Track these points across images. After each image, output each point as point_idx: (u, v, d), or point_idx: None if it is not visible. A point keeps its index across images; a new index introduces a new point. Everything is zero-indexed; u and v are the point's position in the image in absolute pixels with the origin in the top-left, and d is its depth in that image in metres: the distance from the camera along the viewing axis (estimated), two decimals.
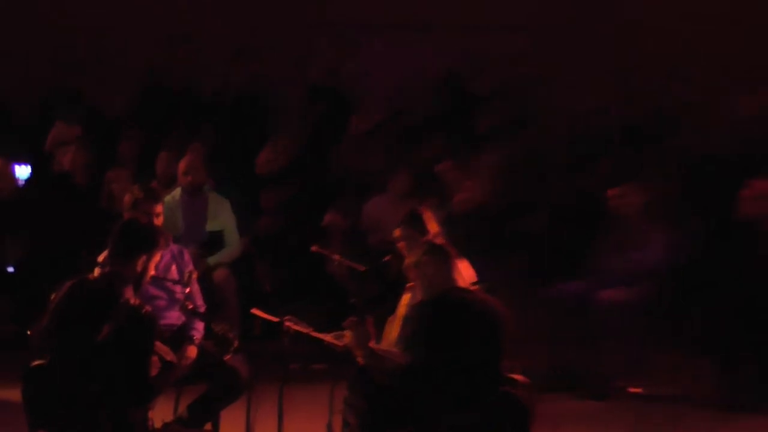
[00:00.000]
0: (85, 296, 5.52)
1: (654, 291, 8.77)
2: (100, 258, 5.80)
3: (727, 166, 9.87)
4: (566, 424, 7.42)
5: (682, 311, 8.93)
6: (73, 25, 11.82)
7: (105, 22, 11.72)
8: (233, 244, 8.93)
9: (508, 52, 11.55)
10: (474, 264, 6.16)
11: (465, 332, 5.60)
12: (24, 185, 9.51)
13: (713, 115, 10.55)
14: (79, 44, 11.64)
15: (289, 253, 9.21)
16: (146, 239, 5.75)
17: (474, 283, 6.02)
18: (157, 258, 5.88)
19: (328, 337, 6.28)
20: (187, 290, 6.79)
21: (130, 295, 5.47)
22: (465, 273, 5.93)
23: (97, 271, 5.77)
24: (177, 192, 8.82)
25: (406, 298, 6.35)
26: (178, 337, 6.62)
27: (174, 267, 6.96)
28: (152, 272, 5.86)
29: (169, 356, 6.05)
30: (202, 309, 6.87)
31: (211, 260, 8.68)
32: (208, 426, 6.49)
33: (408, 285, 6.25)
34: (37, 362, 5.47)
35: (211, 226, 8.84)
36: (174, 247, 7.11)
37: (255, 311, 6.68)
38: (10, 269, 8.92)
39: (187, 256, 7.18)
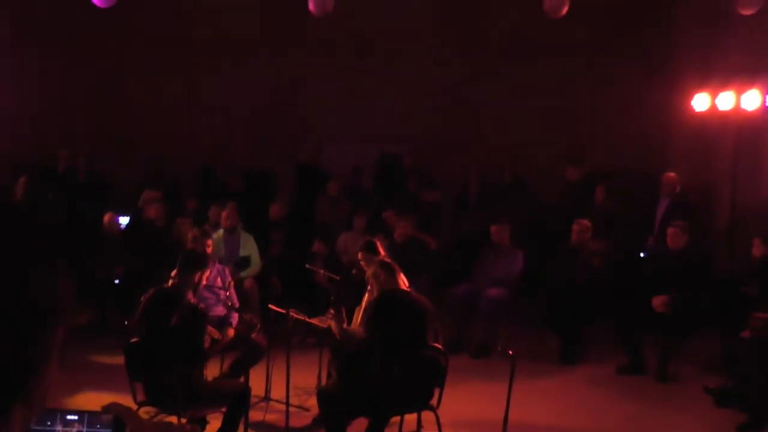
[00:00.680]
0: (162, 298, 5.49)
1: (517, 289, 8.71)
2: (172, 273, 5.62)
3: (560, 211, 9.86)
4: (465, 374, 7.29)
5: (534, 301, 8.88)
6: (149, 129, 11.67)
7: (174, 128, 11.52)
8: (256, 264, 8.79)
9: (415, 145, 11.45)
10: (407, 275, 6.01)
11: (402, 315, 5.51)
12: (125, 229, 9.33)
13: (552, 179, 10.52)
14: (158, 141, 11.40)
15: (291, 269, 9.06)
16: (200, 261, 5.79)
17: (409, 286, 5.89)
18: (207, 273, 5.86)
19: (317, 321, 6.19)
20: (227, 293, 6.73)
21: (190, 297, 5.42)
22: (403, 280, 5.82)
23: (170, 282, 5.61)
24: (220, 231, 8.66)
25: (367, 296, 6.21)
26: (222, 323, 6.50)
27: (219, 278, 6.89)
28: (204, 282, 5.82)
29: (216, 335, 6.00)
30: (237, 305, 6.78)
31: (243, 274, 8.54)
32: (242, 378, 6.30)
33: (368, 288, 6.11)
34: (133, 340, 5.33)
35: (242, 252, 8.70)
36: (219, 266, 7.05)
37: (271, 306, 6.60)
38: (117, 281, 8.70)
39: (227, 272, 7.13)
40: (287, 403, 5.77)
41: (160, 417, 5.56)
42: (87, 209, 9.65)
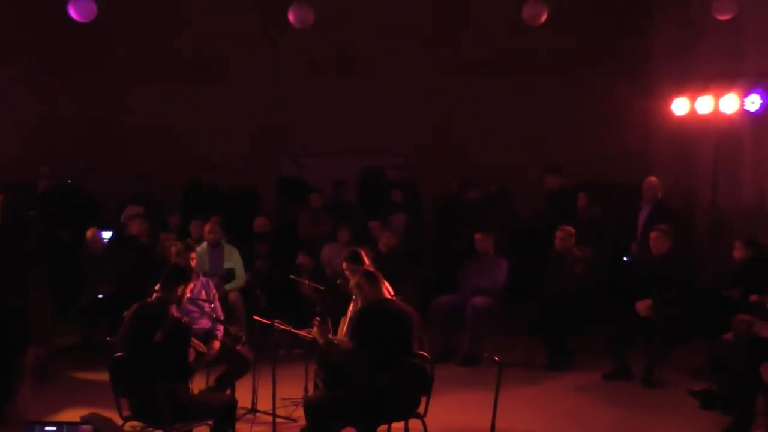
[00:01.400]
0: (146, 313, 5.44)
1: (502, 298, 8.71)
2: (156, 287, 5.59)
3: (542, 220, 9.89)
4: (452, 383, 7.29)
5: (519, 309, 8.89)
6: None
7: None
8: (241, 276, 8.77)
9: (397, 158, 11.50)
10: (392, 284, 5.99)
11: (388, 325, 5.48)
12: (108, 243, 9.28)
13: (533, 188, 10.54)
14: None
15: (276, 281, 9.04)
16: (184, 275, 5.71)
17: (393, 296, 5.87)
18: (191, 286, 5.82)
19: (302, 332, 6.17)
20: (212, 306, 6.69)
21: (174, 311, 5.39)
22: (387, 289, 5.80)
23: (153, 296, 5.57)
24: (204, 245, 8.63)
25: (351, 306, 6.19)
26: (207, 335, 6.46)
27: (203, 291, 6.86)
28: (188, 295, 5.80)
29: (201, 348, 5.96)
30: (222, 317, 6.75)
31: (227, 287, 8.53)
32: (227, 391, 6.28)
33: (353, 298, 6.09)
34: (118, 354, 5.29)
35: (226, 265, 8.69)
36: (203, 279, 7.02)
37: (256, 317, 6.58)
38: (100, 296, 8.63)
39: (211, 285, 7.12)
40: (274, 415, 5.75)
41: (146, 431, 5.53)
42: (70, 226, 9.58)
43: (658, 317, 7.61)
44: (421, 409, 5.45)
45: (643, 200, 9.29)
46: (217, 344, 6.39)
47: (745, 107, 8.81)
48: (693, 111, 9.47)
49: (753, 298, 7.12)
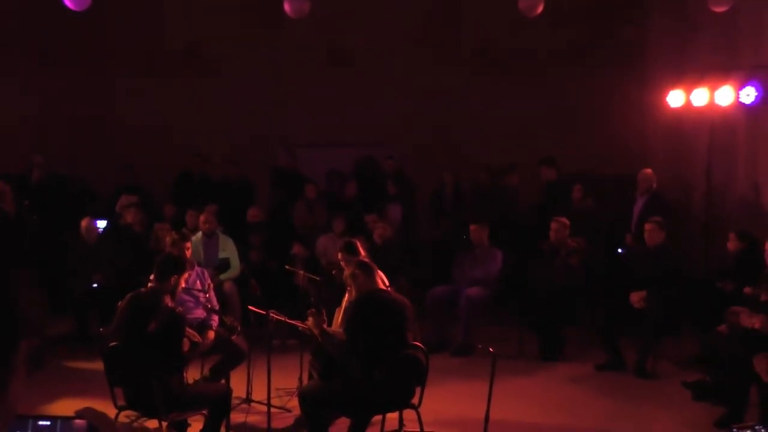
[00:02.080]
0: (139, 303, 5.42)
1: (496, 288, 8.73)
2: (151, 277, 5.58)
3: (538, 211, 9.91)
4: (446, 373, 7.30)
5: (513, 301, 8.91)
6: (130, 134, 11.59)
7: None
8: (236, 266, 8.78)
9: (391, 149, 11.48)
10: (386, 275, 6.00)
11: (383, 316, 5.48)
12: (102, 232, 9.27)
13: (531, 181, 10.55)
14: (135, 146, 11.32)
15: (270, 272, 9.03)
16: (177, 265, 5.66)
17: (388, 286, 5.88)
18: (186, 276, 5.80)
19: (297, 323, 6.15)
20: (207, 296, 6.69)
21: (168, 301, 5.37)
22: (382, 280, 5.80)
23: (148, 286, 5.56)
24: (199, 235, 8.63)
25: (346, 297, 6.20)
26: (202, 325, 6.45)
27: (198, 281, 6.84)
28: (183, 285, 5.80)
29: (196, 338, 5.93)
30: (217, 307, 6.73)
31: (222, 277, 8.52)
32: (222, 381, 6.28)
33: (347, 288, 6.09)
34: (112, 344, 5.28)
35: (221, 255, 8.69)
36: (198, 269, 6.99)
37: (250, 308, 6.57)
38: (94, 285, 8.61)
39: (206, 274, 7.08)
40: (269, 405, 5.76)
41: (140, 421, 5.53)
42: (64, 215, 9.55)
43: (652, 308, 7.64)
44: (415, 400, 5.47)
45: (638, 192, 9.30)
46: (212, 334, 6.39)
47: (740, 100, 8.81)
48: (688, 103, 9.47)
49: (747, 290, 7.14)
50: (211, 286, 6.95)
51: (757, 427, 2.62)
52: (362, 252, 6.62)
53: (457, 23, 11.78)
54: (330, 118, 11.69)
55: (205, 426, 5.49)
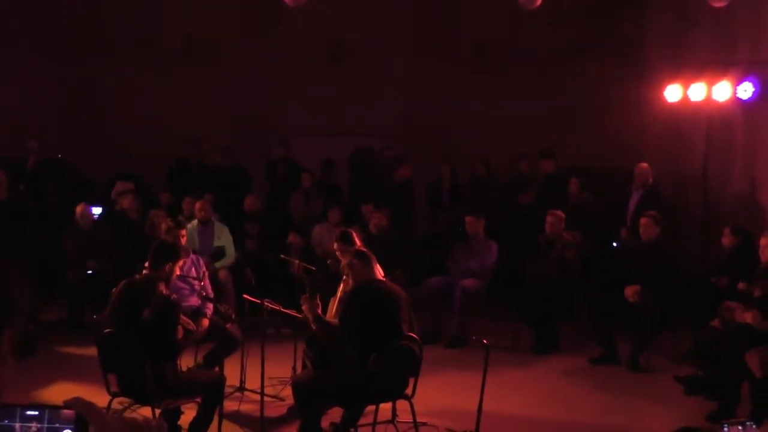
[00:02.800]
0: (134, 290, 5.41)
1: (491, 279, 8.72)
2: (145, 265, 5.56)
3: (535, 204, 9.89)
4: (440, 365, 7.30)
5: (508, 293, 8.90)
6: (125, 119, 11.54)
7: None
8: (231, 255, 8.78)
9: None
10: (382, 265, 5.98)
11: (378, 306, 5.48)
12: (98, 219, 9.24)
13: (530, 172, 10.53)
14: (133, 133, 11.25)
15: (266, 260, 9.02)
16: (172, 252, 5.66)
17: (383, 277, 5.87)
18: (180, 263, 5.80)
19: (291, 312, 6.15)
20: (202, 284, 6.69)
21: (162, 289, 5.35)
22: (378, 270, 5.79)
23: (142, 273, 5.54)
24: (195, 222, 8.62)
25: (341, 287, 6.19)
26: (196, 313, 6.47)
27: (193, 269, 6.86)
28: (178, 272, 5.79)
29: (190, 326, 5.96)
30: (212, 295, 6.74)
31: (217, 265, 8.53)
32: (216, 369, 6.27)
33: (343, 278, 6.08)
34: (106, 331, 5.26)
35: (216, 243, 8.68)
36: (193, 256, 7.00)
37: (245, 296, 6.56)
38: (89, 272, 8.57)
39: (201, 262, 7.09)
40: (262, 394, 5.75)
41: (134, 408, 5.52)
42: (61, 202, 9.53)
43: (647, 304, 7.63)
44: (408, 391, 5.47)
45: (634, 185, 9.29)
46: (206, 322, 6.40)
47: (737, 95, 8.81)
48: (686, 98, 9.46)
49: (740, 286, 7.14)
50: (206, 274, 6.95)
51: (747, 423, 2.59)
52: (358, 242, 6.61)
53: (456, 22, 11.76)
54: (325, 109, 11.68)
55: (198, 413, 5.48)
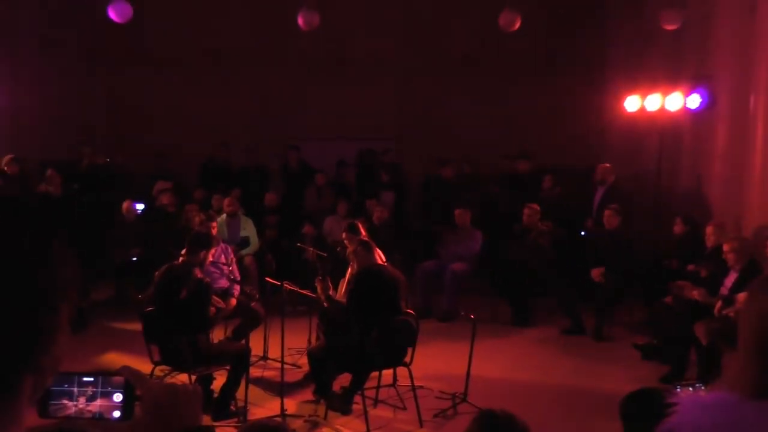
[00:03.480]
0: (173, 274, 5.41)
1: (477, 263, 8.71)
2: (182, 252, 5.56)
3: (512, 198, 9.85)
4: (433, 336, 7.30)
5: (490, 274, 8.88)
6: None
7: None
8: (255, 243, 8.76)
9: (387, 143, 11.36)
10: (383, 251, 5.99)
11: (380, 287, 5.48)
12: (140, 213, 9.21)
13: (504, 173, 10.47)
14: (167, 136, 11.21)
15: (284, 248, 9.01)
16: (206, 241, 5.69)
17: (384, 261, 5.87)
18: (212, 251, 5.78)
19: (307, 292, 6.16)
20: (230, 268, 6.69)
21: (197, 273, 5.35)
22: (380, 256, 5.79)
23: (180, 260, 5.54)
24: (223, 216, 8.59)
25: (349, 270, 6.18)
26: (225, 293, 6.46)
27: (223, 256, 6.83)
28: (210, 259, 5.76)
29: (220, 304, 5.95)
30: (238, 278, 6.75)
31: (243, 252, 8.50)
32: (243, 341, 6.28)
33: (350, 263, 6.08)
34: (149, 309, 5.28)
35: (242, 234, 8.66)
36: (223, 245, 6.98)
37: (267, 279, 6.56)
38: (133, 258, 8.57)
39: (230, 250, 7.08)
40: (282, 362, 5.75)
41: (173, 374, 5.53)
42: (109, 199, 9.51)
43: (608, 282, 7.64)
44: (407, 359, 5.47)
45: (598, 182, 9.27)
46: (234, 301, 6.40)
47: (687, 105, 8.78)
48: (643, 108, 9.43)
49: (690, 267, 7.14)
50: (234, 260, 6.94)
51: (696, 384, 2.60)
52: (363, 232, 6.61)
53: (447, 33, 11.71)
54: (332, 114, 11.65)
55: (227, 379, 5.49)
